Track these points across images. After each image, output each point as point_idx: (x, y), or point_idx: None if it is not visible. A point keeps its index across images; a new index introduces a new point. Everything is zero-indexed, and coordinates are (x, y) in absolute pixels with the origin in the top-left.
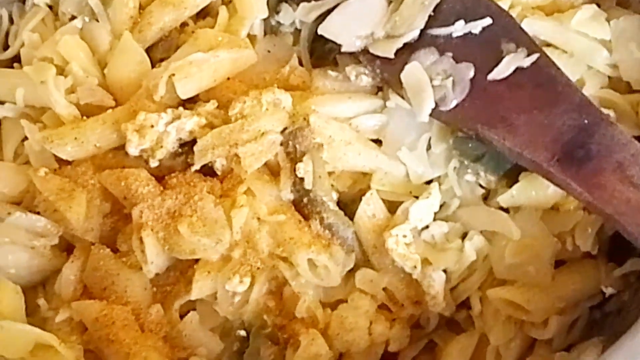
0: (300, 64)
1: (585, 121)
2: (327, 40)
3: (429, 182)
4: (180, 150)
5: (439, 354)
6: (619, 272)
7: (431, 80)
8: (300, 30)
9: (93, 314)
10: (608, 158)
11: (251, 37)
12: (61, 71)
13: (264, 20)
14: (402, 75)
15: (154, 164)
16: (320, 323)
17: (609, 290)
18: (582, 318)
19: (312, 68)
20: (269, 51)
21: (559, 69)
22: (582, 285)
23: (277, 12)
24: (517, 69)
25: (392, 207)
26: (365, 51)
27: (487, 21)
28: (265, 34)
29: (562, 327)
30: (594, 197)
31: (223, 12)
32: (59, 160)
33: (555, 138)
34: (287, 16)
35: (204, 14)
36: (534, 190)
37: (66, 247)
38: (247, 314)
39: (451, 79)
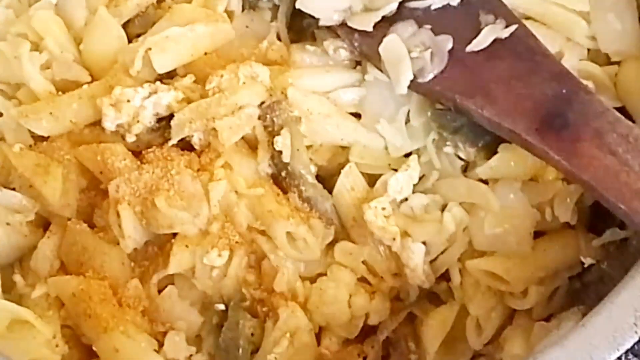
0: (279, 39)
1: (564, 90)
2: (305, 15)
3: (407, 155)
4: (157, 125)
5: (419, 325)
6: (598, 242)
7: (409, 52)
8: (278, 6)
9: (70, 290)
10: (586, 126)
11: (229, 13)
12: (36, 47)
13: None
14: (381, 48)
15: (130, 139)
16: (299, 296)
17: (588, 261)
18: (561, 288)
19: (290, 43)
20: (247, 26)
21: (537, 39)
22: (561, 256)
23: None
24: (495, 40)
25: (371, 180)
26: (343, 25)
27: None
28: (243, 9)
29: (541, 297)
30: (572, 165)
31: None
32: (35, 136)
33: (534, 107)
34: None
35: None
36: (512, 161)
37: (42, 223)
38: (226, 287)
39: (429, 50)
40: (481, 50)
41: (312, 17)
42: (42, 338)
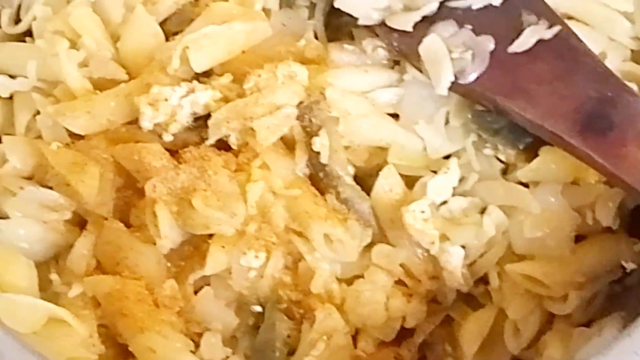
0: (316, 37)
1: (608, 92)
2: (343, 13)
3: (446, 157)
4: (194, 124)
5: (456, 328)
6: None
7: (450, 53)
8: (315, 4)
9: (106, 289)
10: (630, 128)
11: (266, 11)
12: (73, 44)
13: None
14: (421, 48)
15: (167, 137)
16: (336, 298)
17: (629, 265)
18: (601, 292)
19: (327, 41)
20: (283, 24)
21: (580, 40)
22: (602, 260)
23: None
24: (538, 40)
25: (409, 181)
26: (382, 24)
27: None
28: (280, 7)
29: (581, 302)
30: (615, 168)
31: None
32: (71, 134)
33: (577, 109)
34: None
35: None
36: (554, 164)
37: (79, 222)
38: (262, 289)
39: (471, 51)
40: (523, 51)
41: (350, 15)
42: (79, 337)
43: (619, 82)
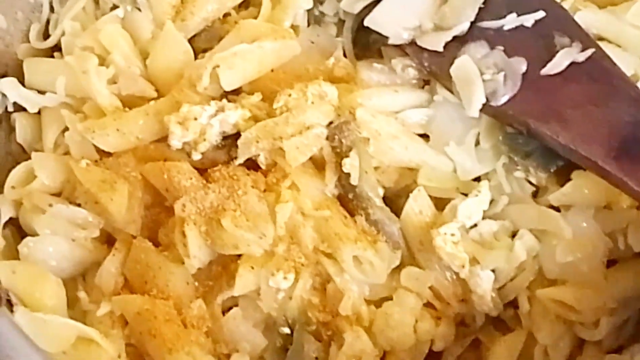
0: (345, 55)
1: None
2: (371, 31)
3: (476, 179)
4: (223, 142)
5: (484, 352)
6: None
7: (482, 74)
8: (343, 21)
9: (135, 309)
10: None
11: (294, 28)
12: (102, 61)
13: (307, 10)
14: (452, 69)
15: (196, 156)
16: (364, 320)
17: None
18: (632, 318)
19: (356, 59)
20: (312, 42)
21: (613, 62)
22: (634, 285)
23: (321, 2)
24: (571, 63)
25: (438, 203)
26: (412, 43)
27: (540, 14)
28: (308, 24)
29: (612, 328)
30: None
31: (266, 2)
32: (100, 151)
33: (611, 134)
34: (331, 6)
35: (246, 4)
36: (586, 189)
37: (107, 239)
38: (291, 310)
39: (502, 73)
40: (556, 73)
41: (379, 33)
42: (107, 357)
43: None
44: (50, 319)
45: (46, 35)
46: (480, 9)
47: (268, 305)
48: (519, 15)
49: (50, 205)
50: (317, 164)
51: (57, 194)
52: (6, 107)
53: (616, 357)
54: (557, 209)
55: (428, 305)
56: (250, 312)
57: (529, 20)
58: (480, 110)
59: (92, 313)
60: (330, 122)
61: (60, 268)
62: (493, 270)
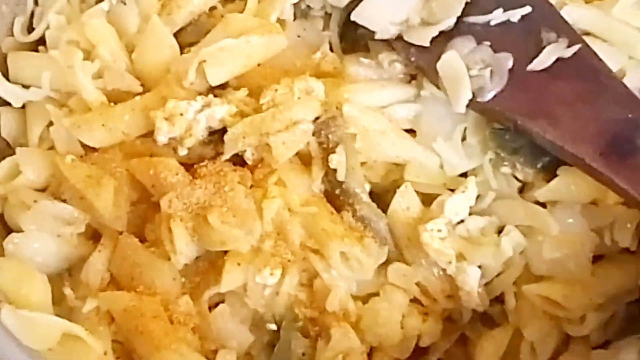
0: (331, 49)
1: (630, 115)
2: (359, 25)
3: (463, 174)
4: (209, 138)
5: (471, 348)
6: None
7: (468, 69)
8: (330, 14)
9: (122, 305)
10: None
11: (280, 21)
12: (87, 55)
13: (294, 3)
14: (439, 65)
15: (182, 152)
16: (351, 316)
17: None
18: (619, 314)
19: (343, 54)
20: (299, 36)
21: (601, 59)
22: (620, 281)
23: None
24: (557, 59)
25: (425, 199)
26: (399, 38)
27: (527, 9)
28: (294, 18)
29: (599, 324)
30: (638, 193)
31: None
32: (85, 146)
33: (599, 131)
34: (318, 0)
35: None
36: (573, 185)
37: (92, 235)
38: (278, 306)
39: (489, 69)
40: (543, 69)
41: (367, 28)
42: (94, 354)
43: None
44: (35, 316)
45: (31, 29)
46: (467, 3)
47: (255, 301)
48: (505, 10)
49: (36, 201)
50: (304, 160)
51: (43, 190)
52: None
53: (602, 352)
54: (544, 205)
55: (415, 301)
56: (237, 308)
57: (515, 15)
58: (467, 106)
59: (78, 310)
60: (317, 118)
61: (46, 264)
62: (480, 267)
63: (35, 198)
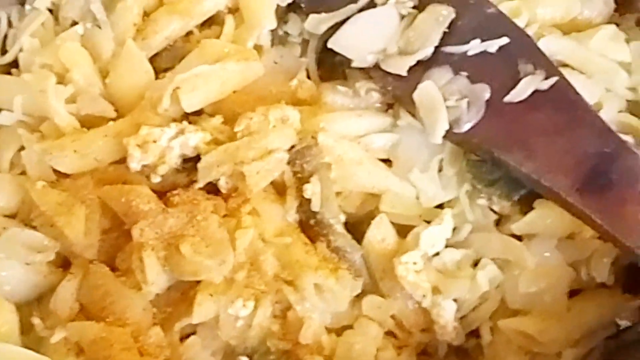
0: (308, 76)
1: (606, 149)
2: (337, 53)
3: (439, 206)
4: (183, 165)
5: None
6: (636, 304)
7: (445, 100)
8: (308, 41)
9: (91, 336)
10: (630, 188)
11: (257, 48)
12: (61, 79)
13: (271, 30)
14: (415, 95)
15: (155, 179)
16: (325, 349)
17: (623, 323)
18: (596, 349)
19: (320, 81)
20: (276, 62)
21: (577, 93)
22: (597, 316)
23: (285, 22)
24: (535, 91)
25: (401, 230)
26: (376, 67)
27: (504, 40)
28: (272, 44)
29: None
30: (614, 229)
31: (230, 21)
32: (57, 172)
33: (575, 165)
34: (295, 26)
35: (210, 23)
36: (549, 218)
37: (62, 263)
38: (250, 338)
39: (466, 99)
40: (520, 101)
41: (344, 55)
42: None
43: (617, 138)
44: (2, 347)
45: (4, 51)
46: (445, 33)
47: (227, 333)
48: (483, 40)
49: (5, 228)
50: (278, 189)
51: (12, 216)
52: None
53: None
54: (520, 238)
55: (390, 334)
56: (209, 340)
57: (493, 46)
58: (444, 137)
59: (47, 339)
60: (293, 146)
61: (14, 292)
62: (455, 300)
63: (5, 225)
